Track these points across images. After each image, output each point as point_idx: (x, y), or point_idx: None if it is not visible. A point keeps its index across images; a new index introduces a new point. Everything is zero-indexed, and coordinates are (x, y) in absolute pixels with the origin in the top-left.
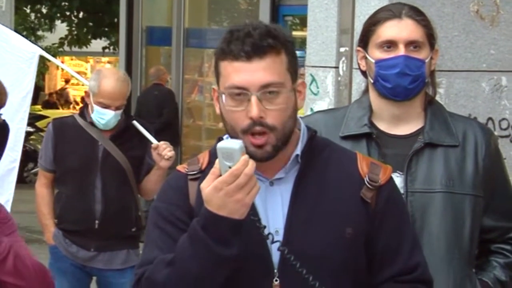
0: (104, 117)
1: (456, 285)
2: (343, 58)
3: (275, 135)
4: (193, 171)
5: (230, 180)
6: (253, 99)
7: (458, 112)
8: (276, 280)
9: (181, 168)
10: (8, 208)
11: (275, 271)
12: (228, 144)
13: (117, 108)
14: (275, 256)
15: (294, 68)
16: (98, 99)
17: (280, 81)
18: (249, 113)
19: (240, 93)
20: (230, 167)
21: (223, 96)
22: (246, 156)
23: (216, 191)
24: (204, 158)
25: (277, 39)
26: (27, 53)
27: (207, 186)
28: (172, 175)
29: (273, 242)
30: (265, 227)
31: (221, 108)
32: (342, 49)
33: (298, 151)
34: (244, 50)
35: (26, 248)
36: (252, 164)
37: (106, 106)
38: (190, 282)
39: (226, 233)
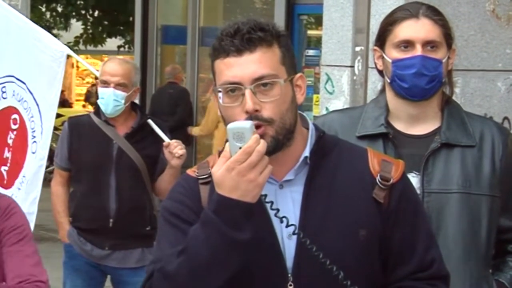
0: (104, 96)
1: (472, 285)
2: (359, 57)
3: (273, 127)
4: (204, 175)
5: (242, 159)
6: (247, 92)
7: (473, 111)
8: (291, 285)
9: (191, 172)
10: (35, 205)
11: (289, 275)
12: (239, 124)
13: (116, 86)
14: (289, 251)
15: (290, 61)
16: (100, 79)
17: (272, 73)
18: (244, 107)
19: (234, 89)
20: (241, 148)
21: (220, 94)
22: (257, 135)
23: (228, 172)
24: (213, 160)
25: (267, 31)
26: (57, 52)
27: (219, 169)
28: (182, 178)
29: (287, 226)
30: (278, 210)
31: (219, 106)
32: (357, 48)
33: (306, 152)
34: (234, 44)
35: (33, 255)
36: (263, 142)
37: (105, 85)
38: (202, 268)
39: (238, 216)
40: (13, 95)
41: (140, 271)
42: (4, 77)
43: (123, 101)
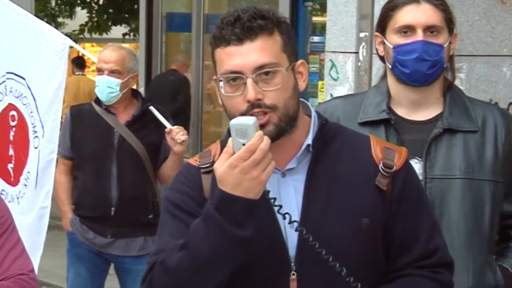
0: (98, 83)
1: (476, 271)
2: (363, 44)
3: (276, 114)
4: (206, 164)
5: (245, 156)
6: (249, 81)
7: (479, 97)
8: (293, 274)
9: (193, 161)
10: (49, 199)
11: (292, 264)
12: (242, 120)
13: (110, 73)
14: (291, 241)
15: (291, 49)
16: (96, 67)
17: (274, 61)
18: (246, 96)
19: (236, 78)
20: (244, 144)
21: (221, 83)
22: (260, 132)
23: (231, 169)
24: (216, 149)
25: (268, 19)
26: (59, 44)
27: (221, 165)
28: (184, 168)
29: (290, 222)
30: (281, 206)
31: (221, 96)
32: (362, 35)
33: (309, 140)
34: (235, 33)
35: (17, 245)
36: (267, 139)
37: (100, 72)
38: (203, 264)
39: (240, 213)
40: (11, 91)
41: (143, 259)
42: (4, 75)
43: (117, 88)
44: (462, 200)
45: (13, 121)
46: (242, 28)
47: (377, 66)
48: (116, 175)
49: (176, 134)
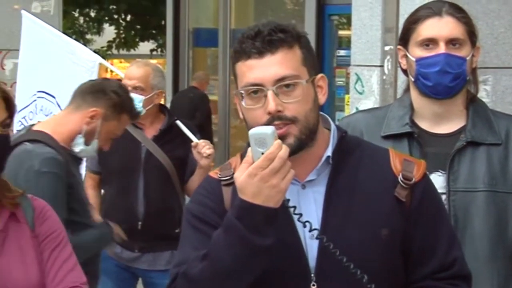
0: None
1: (500, 283)
2: (388, 57)
3: (297, 126)
4: (226, 176)
5: (264, 165)
6: (269, 94)
7: (505, 109)
8: (314, 285)
9: (214, 174)
10: None
11: (312, 275)
12: (261, 129)
13: (133, 89)
14: (311, 252)
15: (311, 63)
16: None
17: (294, 73)
18: (267, 108)
19: (257, 90)
20: (263, 153)
21: (242, 96)
22: (279, 141)
23: (250, 178)
24: (236, 162)
25: (288, 33)
26: (89, 62)
27: (241, 175)
28: (205, 180)
29: (311, 230)
30: (301, 215)
31: (242, 109)
32: (387, 48)
33: (329, 152)
34: (256, 46)
35: (70, 258)
36: (285, 148)
37: None
38: (224, 274)
39: (261, 222)
40: (41, 109)
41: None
42: (35, 94)
43: (140, 104)
44: (485, 213)
45: None
46: (263, 41)
47: (402, 79)
48: (143, 189)
49: (202, 148)
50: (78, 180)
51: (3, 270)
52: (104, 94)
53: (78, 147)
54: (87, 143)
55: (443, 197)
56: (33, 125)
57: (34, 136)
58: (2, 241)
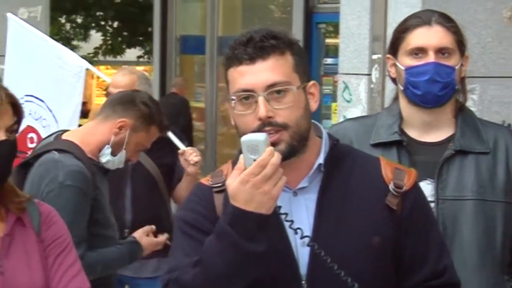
0: None
1: None
2: (376, 65)
3: (288, 132)
4: (218, 183)
5: (256, 171)
6: (260, 99)
7: (491, 118)
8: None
9: (205, 181)
10: None
11: (303, 282)
12: (253, 136)
13: None
14: (302, 259)
15: (303, 69)
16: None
17: (286, 80)
18: (258, 114)
19: (248, 96)
20: (255, 160)
21: (233, 102)
22: (271, 148)
23: (242, 184)
24: (228, 169)
25: (280, 39)
26: (75, 67)
27: (233, 181)
28: (196, 187)
29: (302, 237)
30: (293, 221)
31: (233, 115)
32: (374, 56)
33: (321, 159)
34: (247, 52)
35: (75, 263)
36: (278, 154)
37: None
38: (217, 280)
39: (253, 228)
40: (30, 113)
41: (157, 281)
42: (22, 97)
43: None
44: (474, 221)
45: (31, 143)
46: (255, 47)
47: (390, 88)
48: (131, 197)
49: (190, 155)
50: (103, 192)
51: (8, 274)
52: (133, 105)
53: (105, 157)
54: (114, 153)
55: (432, 205)
56: (62, 132)
57: (62, 146)
58: (8, 245)
